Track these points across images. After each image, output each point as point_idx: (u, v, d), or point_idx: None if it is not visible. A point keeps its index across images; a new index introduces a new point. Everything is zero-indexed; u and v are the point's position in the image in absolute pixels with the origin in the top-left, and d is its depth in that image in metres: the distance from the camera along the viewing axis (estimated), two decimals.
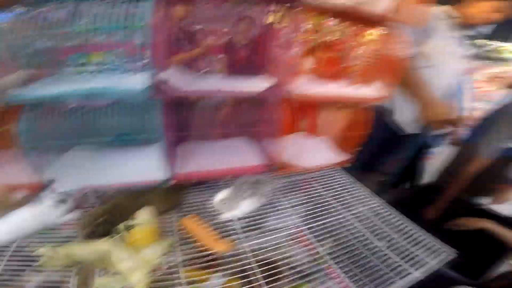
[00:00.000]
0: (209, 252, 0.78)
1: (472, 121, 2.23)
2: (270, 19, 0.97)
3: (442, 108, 1.50)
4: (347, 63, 1.17)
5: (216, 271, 0.79)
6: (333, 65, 1.16)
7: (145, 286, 0.62)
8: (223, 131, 1.24)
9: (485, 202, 1.86)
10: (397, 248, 0.90)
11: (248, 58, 1.13)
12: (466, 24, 1.44)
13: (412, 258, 0.85)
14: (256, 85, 0.90)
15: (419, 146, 2.27)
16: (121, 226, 0.75)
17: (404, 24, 0.97)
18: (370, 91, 1.06)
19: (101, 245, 0.66)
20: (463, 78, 2.19)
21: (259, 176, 1.01)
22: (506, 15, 1.38)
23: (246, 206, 0.92)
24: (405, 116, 1.64)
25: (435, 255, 0.87)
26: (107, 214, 0.80)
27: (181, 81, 0.82)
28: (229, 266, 0.77)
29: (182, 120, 1.12)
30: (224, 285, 0.78)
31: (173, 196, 0.95)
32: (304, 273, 0.86)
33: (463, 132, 2.20)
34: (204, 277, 0.76)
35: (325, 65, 1.16)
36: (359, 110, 1.14)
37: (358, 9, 0.85)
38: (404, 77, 1.47)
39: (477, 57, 3.07)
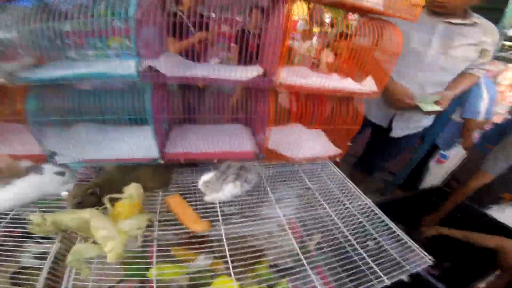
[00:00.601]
0: (186, 231, 0.83)
1: (488, 126, 2.13)
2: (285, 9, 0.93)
3: (399, 89, 1.44)
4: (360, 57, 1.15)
5: (198, 251, 0.83)
6: (349, 59, 1.15)
7: (117, 255, 0.67)
8: (221, 116, 1.28)
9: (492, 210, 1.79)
10: (378, 250, 0.89)
11: (259, 48, 1.11)
12: (446, 11, 1.36)
13: (390, 263, 0.84)
14: (246, 73, 0.92)
15: (428, 148, 2.21)
16: (106, 198, 0.81)
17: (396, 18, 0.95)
18: (364, 85, 1.05)
19: (83, 214, 0.72)
20: (483, 81, 2.08)
21: (244, 162, 1.03)
22: None
23: (228, 190, 0.95)
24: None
25: (413, 261, 0.86)
26: (96, 187, 0.86)
27: (171, 67, 0.86)
28: (206, 247, 0.81)
29: (184, 103, 1.17)
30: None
31: (162, 174, 1.01)
32: (288, 265, 0.89)
33: (477, 136, 2.11)
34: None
35: (343, 59, 1.15)
36: (353, 104, 1.13)
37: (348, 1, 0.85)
38: None
39: (503, 59, 2.88)
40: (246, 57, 1.04)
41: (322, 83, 0.95)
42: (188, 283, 0.80)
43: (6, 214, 0.87)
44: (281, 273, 0.87)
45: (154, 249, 0.74)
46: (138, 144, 0.99)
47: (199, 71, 0.88)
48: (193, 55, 1.11)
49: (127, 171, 0.97)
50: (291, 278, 0.80)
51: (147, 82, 0.86)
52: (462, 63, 1.47)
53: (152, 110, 0.87)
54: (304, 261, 0.80)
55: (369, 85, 1.03)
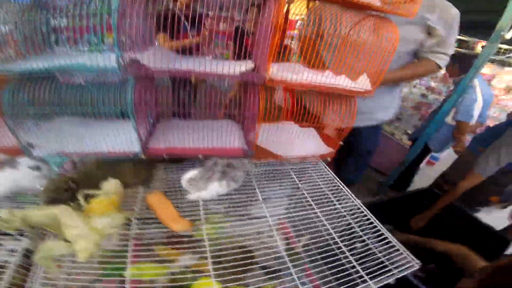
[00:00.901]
0: (167, 230, 0.79)
1: (480, 129, 2.13)
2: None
3: None
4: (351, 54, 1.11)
5: (179, 251, 0.79)
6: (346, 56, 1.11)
7: (89, 254, 0.63)
8: (212, 112, 1.24)
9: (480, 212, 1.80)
10: (366, 252, 0.87)
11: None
12: None
13: (377, 266, 0.81)
14: (236, 68, 0.88)
15: (420, 150, 2.20)
16: (81, 194, 0.76)
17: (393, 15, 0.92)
18: (358, 83, 1.02)
19: (53, 210, 0.67)
20: (478, 84, 2.08)
21: (232, 159, 1.00)
22: None
23: (213, 188, 0.91)
24: None
25: (400, 265, 0.83)
26: (73, 182, 0.82)
27: (156, 61, 0.82)
28: (188, 247, 0.78)
29: (173, 97, 1.12)
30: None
31: (144, 170, 0.96)
32: (275, 267, 0.86)
33: (468, 139, 2.10)
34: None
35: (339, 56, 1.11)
36: (346, 102, 1.10)
37: None
38: None
39: (497, 62, 2.89)
40: (241, 54, 1.00)
41: (314, 79, 0.91)
42: (169, 284, 0.77)
43: None
44: (269, 276, 0.84)
45: (130, 248, 0.70)
46: (119, 138, 0.95)
47: (187, 64, 0.84)
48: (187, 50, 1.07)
49: (107, 166, 0.92)
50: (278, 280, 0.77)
51: (130, 75, 0.82)
52: (405, 45, 1.34)
53: (134, 103, 0.83)
54: (289, 262, 0.77)
55: (363, 83, 1.00)
